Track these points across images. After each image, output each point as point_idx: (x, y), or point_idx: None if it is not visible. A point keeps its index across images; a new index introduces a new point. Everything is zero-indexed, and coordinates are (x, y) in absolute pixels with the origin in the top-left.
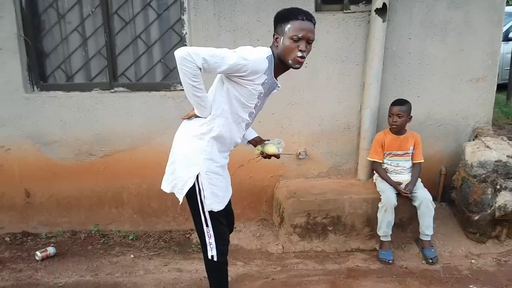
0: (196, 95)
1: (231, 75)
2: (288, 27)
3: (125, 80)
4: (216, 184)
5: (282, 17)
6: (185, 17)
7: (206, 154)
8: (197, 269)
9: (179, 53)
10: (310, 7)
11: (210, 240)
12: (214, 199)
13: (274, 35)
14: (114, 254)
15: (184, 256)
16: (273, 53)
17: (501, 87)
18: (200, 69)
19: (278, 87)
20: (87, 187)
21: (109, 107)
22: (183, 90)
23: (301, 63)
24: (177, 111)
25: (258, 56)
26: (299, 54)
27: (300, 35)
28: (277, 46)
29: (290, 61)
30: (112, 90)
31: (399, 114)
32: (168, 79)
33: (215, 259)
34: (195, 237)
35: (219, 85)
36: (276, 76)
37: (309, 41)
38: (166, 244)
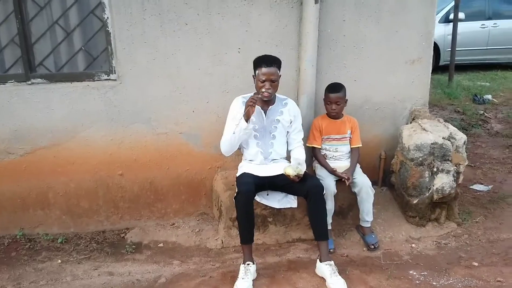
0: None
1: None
2: (257, 72)
3: (44, 70)
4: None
5: (254, 64)
6: (105, 0)
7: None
8: (130, 271)
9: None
10: None
11: None
12: None
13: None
14: (40, 260)
15: (116, 258)
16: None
17: (443, 69)
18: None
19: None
20: (8, 188)
21: (27, 100)
22: (108, 79)
23: (266, 96)
24: (102, 102)
25: (233, 104)
26: (263, 90)
27: (262, 78)
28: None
29: (260, 95)
30: (29, 82)
31: (337, 101)
32: (92, 68)
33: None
34: (130, 236)
35: None
36: (263, 104)
37: (272, 81)
38: (99, 245)
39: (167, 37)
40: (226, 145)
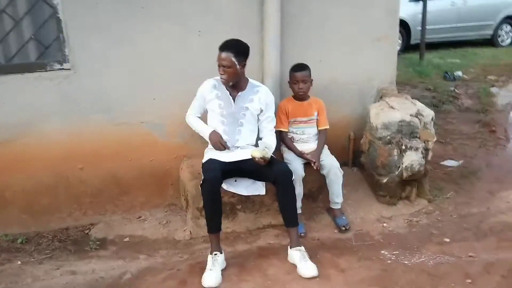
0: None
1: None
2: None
3: None
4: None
5: None
6: None
7: None
8: (94, 269)
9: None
10: None
11: None
12: None
13: None
14: None
15: (79, 256)
16: None
17: (415, 47)
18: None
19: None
20: None
21: None
22: (61, 69)
23: (222, 81)
24: (57, 94)
25: (203, 83)
26: (220, 76)
27: (218, 63)
28: None
29: None
30: None
31: (304, 80)
32: (44, 58)
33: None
34: (94, 232)
35: None
36: (233, 89)
37: (225, 66)
38: (61, 244)
39: (123, 22)
40: (190, 124)
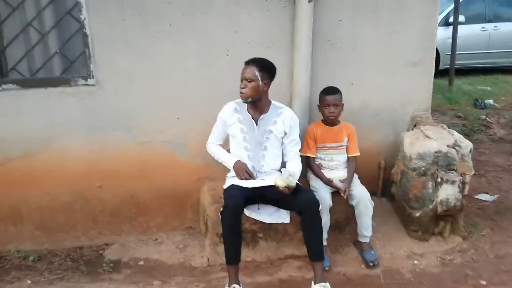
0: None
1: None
2: None
3: (16, 75)
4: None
5: None
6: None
7: None
8: None
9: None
10: None
11: None
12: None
13: None
14: (8, 281)
15: (92, 278)
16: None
17: (443, 73)
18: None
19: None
20: None
21: None
22: (86, 85)
23: (242, 96)
24: (79, 110)
25: (223, 108)
26: (240, 90)
27: (240, 77)
28: None
29: None
30: (0, 88)
31: (336, 103)
32: (68, 73)
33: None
34: (108, 253)
35: None
36: (255, 112)
37: (247, 80)
38: (74, 264)
39: (149, 38)
40: (211, 154)
